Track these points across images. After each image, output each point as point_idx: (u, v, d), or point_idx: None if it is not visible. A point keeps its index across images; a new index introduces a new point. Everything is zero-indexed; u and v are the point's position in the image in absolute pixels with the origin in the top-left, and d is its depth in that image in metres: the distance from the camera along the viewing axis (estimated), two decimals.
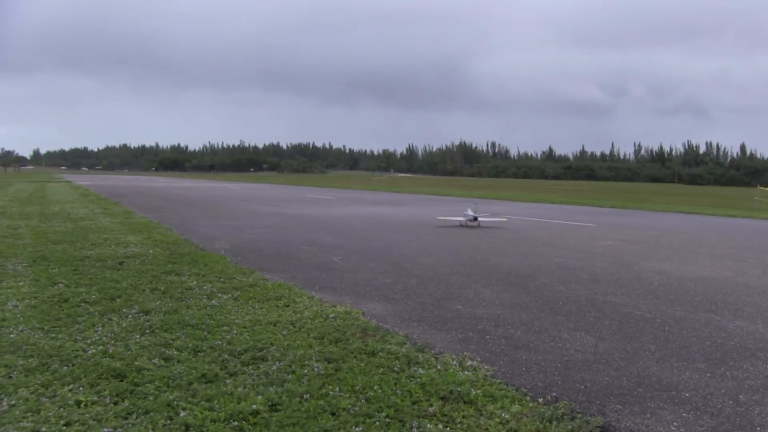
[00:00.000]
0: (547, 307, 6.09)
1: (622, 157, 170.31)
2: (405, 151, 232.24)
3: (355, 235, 12.62)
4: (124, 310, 5.50)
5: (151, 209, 19.19)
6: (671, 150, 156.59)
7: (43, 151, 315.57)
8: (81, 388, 3.70)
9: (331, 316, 5.40)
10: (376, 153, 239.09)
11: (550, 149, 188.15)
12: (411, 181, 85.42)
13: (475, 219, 15.01)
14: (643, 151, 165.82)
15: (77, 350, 4.37)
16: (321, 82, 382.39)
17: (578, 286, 7.19)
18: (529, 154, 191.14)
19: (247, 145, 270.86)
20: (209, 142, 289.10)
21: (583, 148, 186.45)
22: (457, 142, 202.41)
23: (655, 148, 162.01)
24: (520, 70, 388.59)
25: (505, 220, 16.30)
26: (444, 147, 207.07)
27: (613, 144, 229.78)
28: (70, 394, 3.61)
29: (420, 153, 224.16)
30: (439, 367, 4.13)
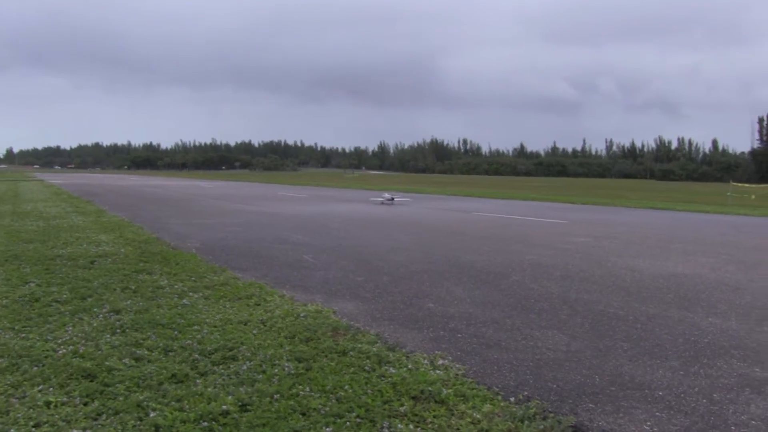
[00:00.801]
0: (519, 305, 6.13)
1: (593, 153, 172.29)
2: (377, 149, 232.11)
3: (326, 233, 12.59)
4: (95, 309, 5.42)
5: (122, 208, 18.96)
6: (643, 146, 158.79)
7: (16, 150, 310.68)
8: (51, 389, 3.64)
9: (302, 315, 5.38)
10: (347, 150, 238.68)
11: (522, 146, 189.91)
12: (383, 179, 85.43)
13: (392, 200, 23.12)
14: (614, 147, 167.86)
15: (48, 350, 4.30)
16: (293, 80, 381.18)
17: (550, 284, 7.25)
18: (501, 151, 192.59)
19: (219, 143, 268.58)
20: (181, 141, 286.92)
21: (555, 145, 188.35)
22: (428, 140, 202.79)
23: (627, 144, 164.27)
24: (490, 67, 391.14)
25: (408, 199, 22.29)
26: (416, 144, 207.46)
27: (584, 140, 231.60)
28: (39, 395, 3.55)
29: (392, 150, 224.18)
30: (410, 367, 4.13)
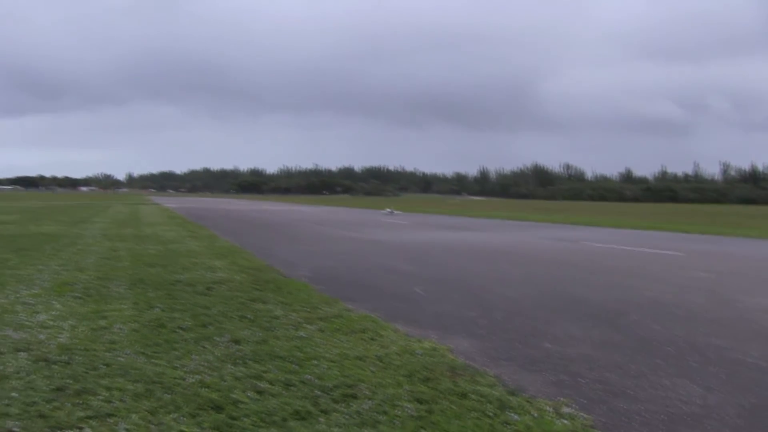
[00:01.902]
0: (642, 348, 5.84)
1: (707, 177, 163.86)
2: (477, 174, 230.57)
3: (432, 262, 12.56)
4: (216, 338, 5.60)
5: (232, 233, 19.69)
6: (765, 169, 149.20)
7: (135, 175, 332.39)
8: (183, 418, 3.77)
9: (418, 352, 5.34)
10: (448, 176, 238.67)
11: (628, 170, 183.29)
12: (484, 205, 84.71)
13: (392, 212, 24.41)
14: (731, 171, 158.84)
15: (177, 378, 4.47)
16: (390, 104, 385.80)
17: (674, 325, 6.88)
18: (606, 176, 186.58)
19: (321, 168, 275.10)
20: (285, 166, 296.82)
21: (663, 169, 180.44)
22: (529, 164, 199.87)
23: (746, 167, 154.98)
24: (591, 88, 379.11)
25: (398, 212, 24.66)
26: (517, 169, 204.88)
27: (695, 163, 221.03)
28: (174, 423, 3.68)
29: (492, 175, 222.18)
30: (534, 414, 4.00)
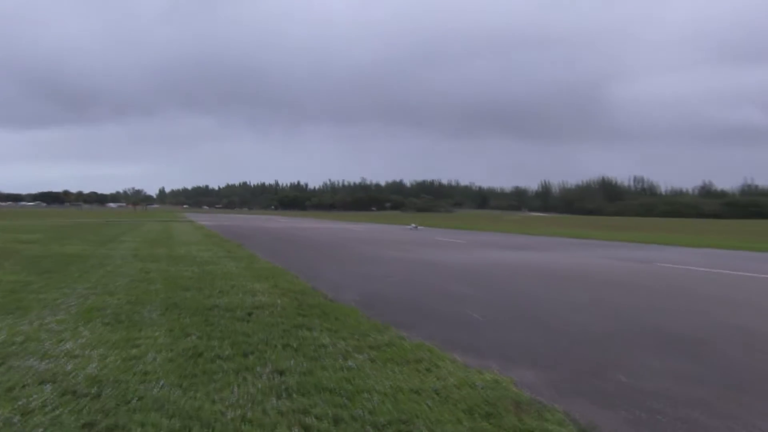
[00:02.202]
0: (731, 384, 5.63)
1: None
2: (538, 188, 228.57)
3: (492, 285, 12.44)
4: (258, 368, 5.63)
5: (273, 253, 19.88)
6: None
7: (167, 190, 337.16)
8: None
9: (478, 384, 5.27)
10: (506, 190, 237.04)
11: (706, 183, 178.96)
12: (546, 222, 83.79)
13: (416, 227, 29.23)
14: None
15: (216, 413, 4.49)
16: (443, 114, 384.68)
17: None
18: (681, 190, 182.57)
19: (368, 182, 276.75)
20: (329, 180, 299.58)
21: (748, 181, 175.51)
22: (596, 177, 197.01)
23: None
24: (662, 94, 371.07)
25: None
26: (582, 183, 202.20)
27: None
28: None
29: (555, 189, 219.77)
30: None
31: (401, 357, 6.12)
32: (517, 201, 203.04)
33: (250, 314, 8.21)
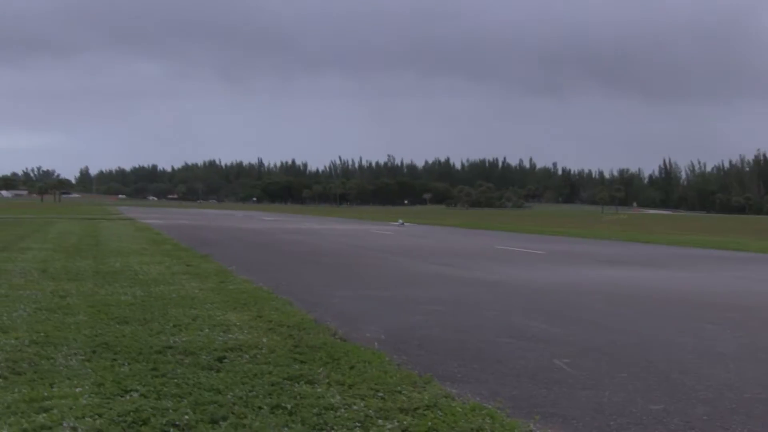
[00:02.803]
0: None
1: None
2: (656, 172, 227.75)
3: (584, 318, 12.36)
4: None
5: (256, 267, 19.95)
6: None
7: (93, 171, 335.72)
8: None
9: None
10: (606, 175, 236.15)
11: None
12: (669, 222, 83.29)
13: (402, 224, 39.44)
14: None
15: None
16: (510, 60, 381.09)
17: None
18: None
19: (397, 163, 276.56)
20: (339, 159, 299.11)
21: None
22: (749, 155, 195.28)
23: None
24: None
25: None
26: (725, 165, 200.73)
27: None
28: None
29: (683, 174, 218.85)
30: None
31: (450, 426, 6.08)
32: (623, 192, 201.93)
33: (221, 359, 8.20)
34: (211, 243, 30.66)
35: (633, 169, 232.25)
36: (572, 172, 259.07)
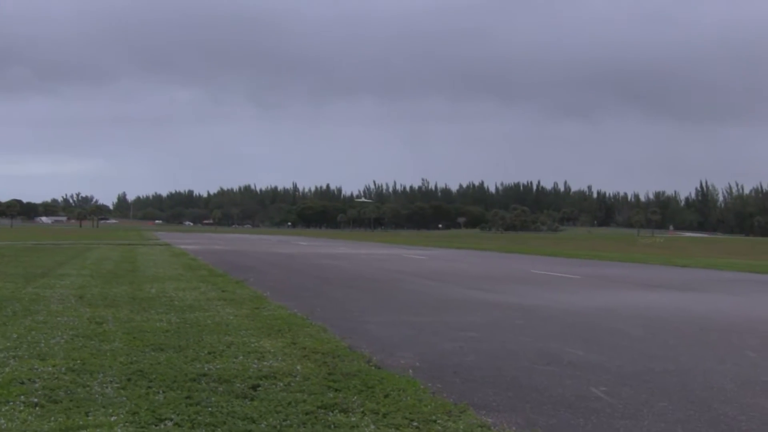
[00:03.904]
0: None
1: None
2: (693, 195, 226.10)
3: (621, 345, 12.23)
4: None
5: (291, 292, 19.91)
6: None
7: (130, 198, 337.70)
8: None
9: None
10: (642, 198, 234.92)
11: None
12: (707, 245, 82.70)
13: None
14: None
15: None
16: (543, 83, 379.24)
17: None
18: None
19: (431, 187, 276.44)
20: (374, 183, 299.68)
21: None
22: None
23: None
24: None
25: None
26: (764, 187, 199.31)
27: None
28: None
29: (720, 197, 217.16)
30: None
31: None
32: (659, 214, 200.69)
33: (255, 387, 8.18)
34: (246, 268, 30.70)
35: (669, 191, 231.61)
36: (607, 195, 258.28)
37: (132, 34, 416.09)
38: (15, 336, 11.31)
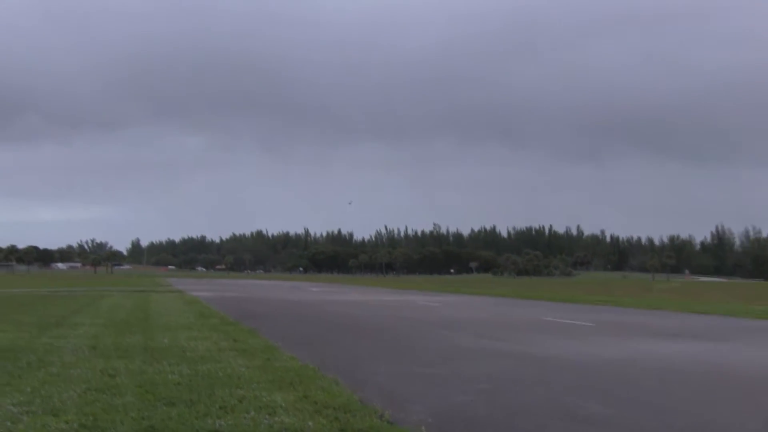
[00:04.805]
0: None
1: None
2: (709, 238, 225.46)
3: (638, 398, 12.15)
4: None
5: (302, 341, 19.89)
6: None
7: (143, 243, 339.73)
8: None
9: None
10: (656, 242, 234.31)
11: None
12: (724, 290, 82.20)
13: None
14: None
15: None
16: (552, 126, 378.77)
17: None
18: None
19: (443, 231, 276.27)
20: (385, 228, 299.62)
21: None
22: None
23: None
24: None
25: None
26: None
27: None
28: None
29: (737, 241, 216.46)
30: None
31: None
32: (674, 259, 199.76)
33: None
34: (258, 316, 30.70)
35: (684, 235, 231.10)
36: (621, 238, 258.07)
37: (142, 81, 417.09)
38: (29, 390, 11.33)
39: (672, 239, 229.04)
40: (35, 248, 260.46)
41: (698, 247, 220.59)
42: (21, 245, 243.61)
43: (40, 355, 15.54)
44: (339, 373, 13.85)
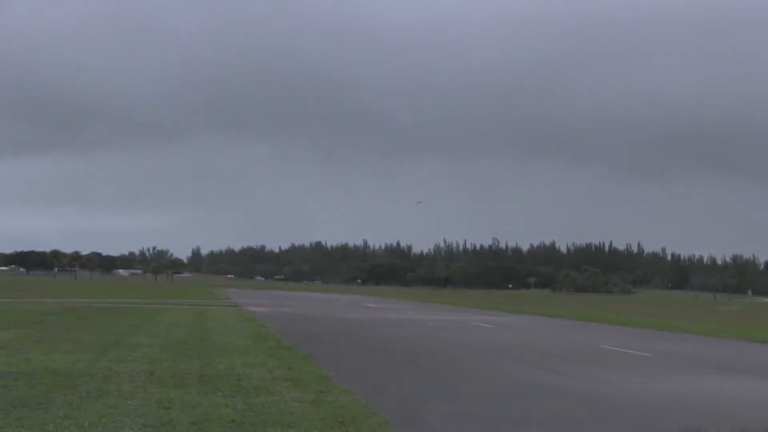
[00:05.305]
0: None
1: None
2: None
3: None
4: None
5: (356, 370, 19.96)
6: None
7: (204, 251, 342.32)
8: None
9: None
10: (718, 261, 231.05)
11: None
12: None
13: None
14: None
15: None
16: (613, 142, 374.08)
17: None
18: None
19: (502, 246, 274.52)
20: (444, 241, 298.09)
21: None
22: None
23: None
24: None
25: None
26: None
27: None
28: None
29: None
30: None
31: None
32: (737, 278, 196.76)
33: None
34: (313, 338, 30.91)
35: (747, 254, 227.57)
36: (682, 257, 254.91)
37: (205, 91, 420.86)
38: (87, 424, 11.52)
39: (735, 258, 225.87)
40: (98, 255, 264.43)
41: (762, 267, 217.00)
42: (84, 251, 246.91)
43: (99, 382, 15.69)
44: (389, 410, 13.85)
